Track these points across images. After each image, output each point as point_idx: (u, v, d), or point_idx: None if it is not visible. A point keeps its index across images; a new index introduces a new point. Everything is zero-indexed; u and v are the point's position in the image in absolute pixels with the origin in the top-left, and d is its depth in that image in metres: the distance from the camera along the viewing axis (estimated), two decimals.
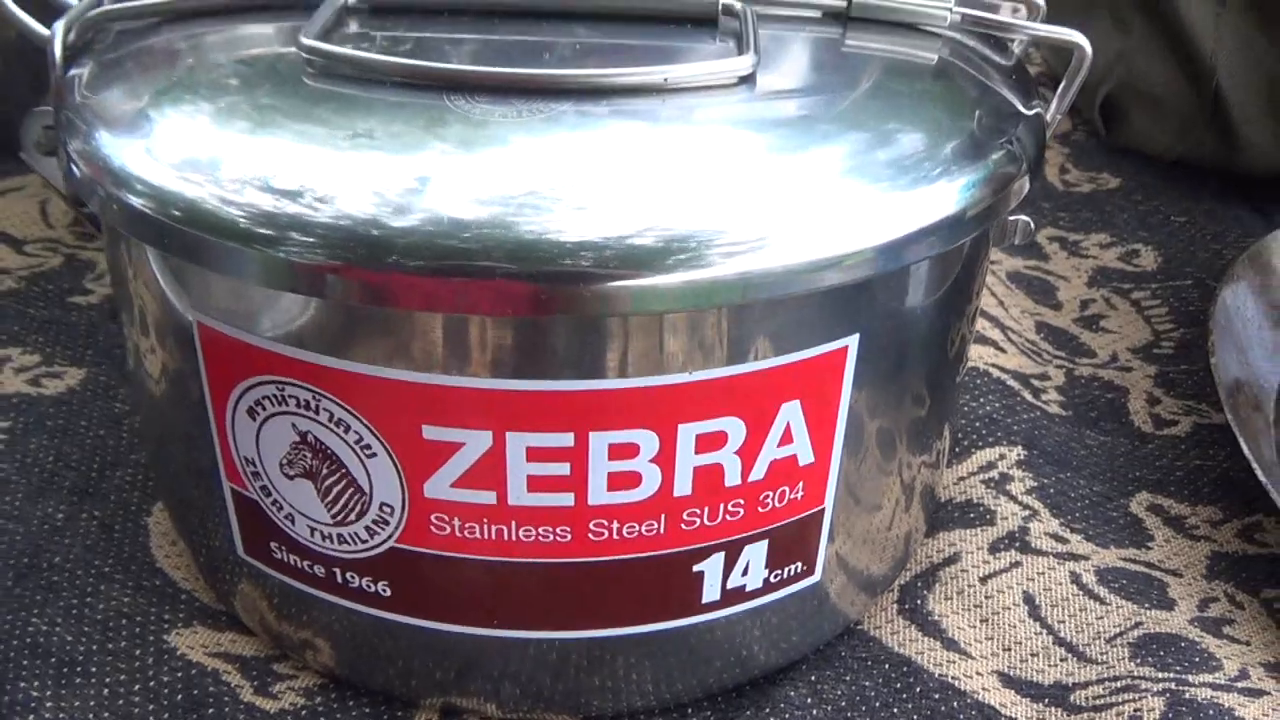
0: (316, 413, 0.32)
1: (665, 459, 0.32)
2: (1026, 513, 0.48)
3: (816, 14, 0.39)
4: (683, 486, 0.33)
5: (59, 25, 0.37)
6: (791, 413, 0.33)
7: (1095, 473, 0.51)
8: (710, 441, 0.32)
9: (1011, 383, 0.54)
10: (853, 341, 0.33)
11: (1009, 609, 0.44)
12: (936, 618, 0.44)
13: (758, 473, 0.33)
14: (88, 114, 0.34)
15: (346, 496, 0.33)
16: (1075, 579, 0.46)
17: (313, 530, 0.35)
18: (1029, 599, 0.45)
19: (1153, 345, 0.59)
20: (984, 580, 0.45)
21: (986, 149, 0.34)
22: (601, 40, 0.37)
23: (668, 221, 0.29)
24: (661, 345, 0.31)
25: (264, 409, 0.33)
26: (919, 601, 0.44)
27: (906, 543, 0.43)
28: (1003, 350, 0.56)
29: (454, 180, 0.30)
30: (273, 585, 0.38)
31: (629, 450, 0.32)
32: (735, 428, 0.32)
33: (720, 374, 0.31)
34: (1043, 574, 0.46)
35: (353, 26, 0.37)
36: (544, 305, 0.29)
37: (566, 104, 0.32)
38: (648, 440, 0.32)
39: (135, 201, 0.31)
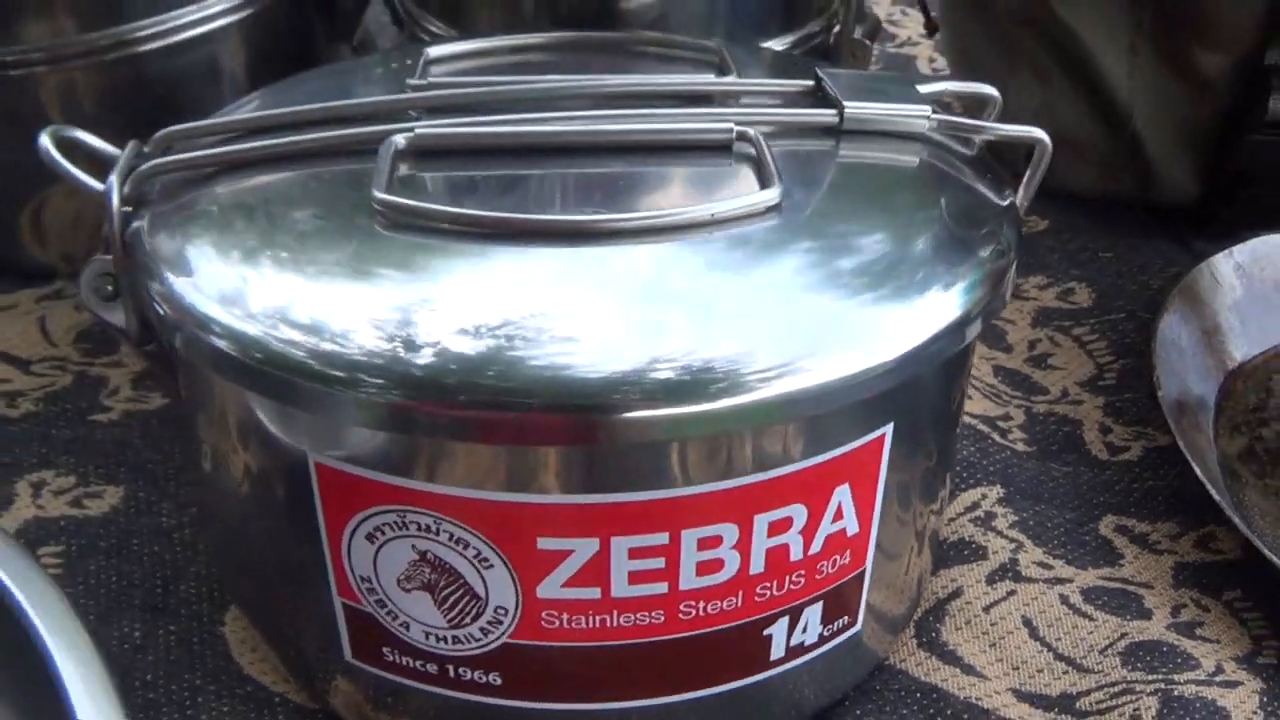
0: (437, 534, 0.37)
1: (743, 545, 0.38)
2: (1013, 545, 0.55)
3: (811, 128, 0.46)
4: (757, 566, 0.39)
5: (114, 179, 0.41)
6: (843, 494, 0.39)
7: (1065, 502, 0.58)
8: (779, 526, 0.38)
9: (981, 426, 0.61)
10: (888, 429, 0.39)
11: (1012, 632, 0.51)
12: (952, 647, 0.50)
13: (815, 547, 0.40)
14: (164, 265, 0.39)
15: (463, 604, 0.39)
16: (1064, 600, 0.53)
17: (428, 635, 0.40)
18: (1028, 622, 0.52)
19: (1097, 378, 0.66)
20: (986, 609, 0.52)
21: (980, 249, 0.41)
22: (635, 170, 0.43)
23: (730, 352, 0.35)
24: (737, 453, 0.37)
25: (384, 534, 0.38)
26: (934, 634, 0.51)
27: (919, 583, 0.49)
28: (969, 397, 0.63)
29: (529, 325, 0.35)
30: (381, 684, 0.42)
31: (714, 541, 0.38)
32: (799, 512, 0.39)
33: (786, 471, 0.37)
34: (1036, 599, 0.53)
35: (403, 169, 0.42)
36: (629, 434, 0.35)
37: (627, 244, 0.38)
38: (729, 531, 0.38)
39: (231, 348, 0.36)
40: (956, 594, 0.52)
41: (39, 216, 0.67)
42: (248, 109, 0.48)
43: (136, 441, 0.60)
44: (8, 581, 0.36)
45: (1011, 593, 0.53)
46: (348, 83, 0.51)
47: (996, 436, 0.61)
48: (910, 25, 1.03)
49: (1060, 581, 0.54)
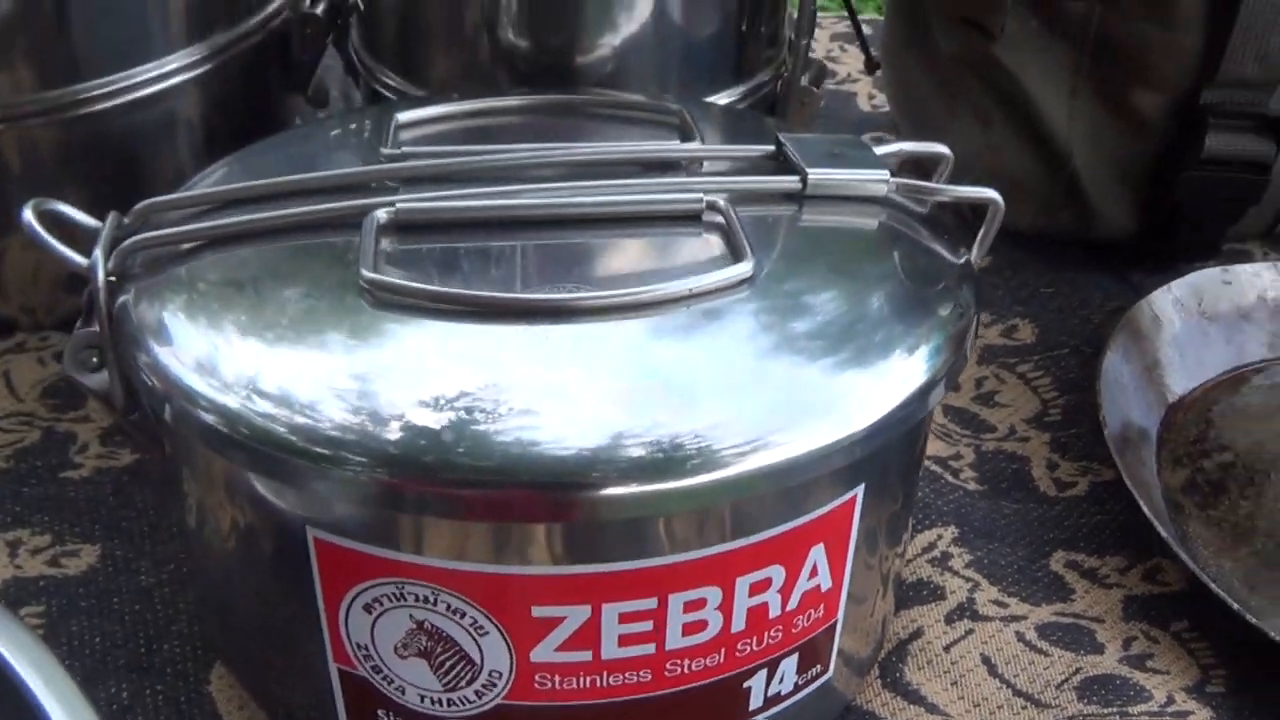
0: (435, 605, 0.39)
1: (726, 606, 0.41)
2: (970, 584, 0.58)
3: (775, 195, 0.48)
4: (738, 624, 0.41)
5: (99, 254, 0.42)
6: (818, 554, 0.42)
7: (1017, 539, 0.61)
8: (759, 587, 0.41)
9: (935, 467, 0.64)
10: (859, 490, 0.42)
11: (972, 670, 0.54)
12: (915, 686, 0.53)
13: (792, 603, 0.42)
14: (154, 340, 0.41)
15: (459, 669, 0.41)
16: (1020, 637, 0.55)
17: (423, 698, 0.42)
18: (986, 660, 0.54)
19: (1043, 414, 0.69)
20: (946, 649, 0.55)
21: (941, 311, 0.43)
22: (610, 242, 0.45)
23: (708, 428, 0.37)
24: (719, 522, 0.39)
25: (381, 605, 0.40)
26: (898, 674, 0.53)
27: (884, 625, 0.52)
28: None
29: (512, 403, 0.38)
30: None
31: (699, 604, 0.40)
32: (778, 573, 0.41)
33: (767, 535, 0.40)
34: (993, 637, 0.55)
35: (384, 244, 0.44)
36: (610, 510, 0.37)
37: (608, 321, 0.41)
38: (713, 594, 0.40)
39: (223, 425, 0.38)
40: (917, 634, 0.55)
41: None
42: (222, 177, 0.50)
43: (109, 499, 0.61)
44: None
45: (970, 631, 0.56)
46: (319, 149, 0.53)
47: (949, 476, 0.63)
48: (849, 62, 1.06)
49: (1016, 619, 0.56)
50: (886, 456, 0.43)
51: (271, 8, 0.71)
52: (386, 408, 0.38)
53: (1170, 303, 0.71)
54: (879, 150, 0.49)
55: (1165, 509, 0.62)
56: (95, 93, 0.64)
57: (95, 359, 0.44)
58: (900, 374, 0.41)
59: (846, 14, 0.81)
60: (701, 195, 0.46)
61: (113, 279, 0.43)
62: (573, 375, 0.39)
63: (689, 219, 0.46)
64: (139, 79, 0.65)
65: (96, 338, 0.43)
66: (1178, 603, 0.58)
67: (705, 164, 0.50)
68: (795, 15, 0.70)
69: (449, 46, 0.67)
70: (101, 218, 0.45)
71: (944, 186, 0.48)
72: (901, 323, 0.42)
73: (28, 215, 0.44)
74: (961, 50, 0.78)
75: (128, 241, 0.44)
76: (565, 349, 0.40)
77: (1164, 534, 0.56)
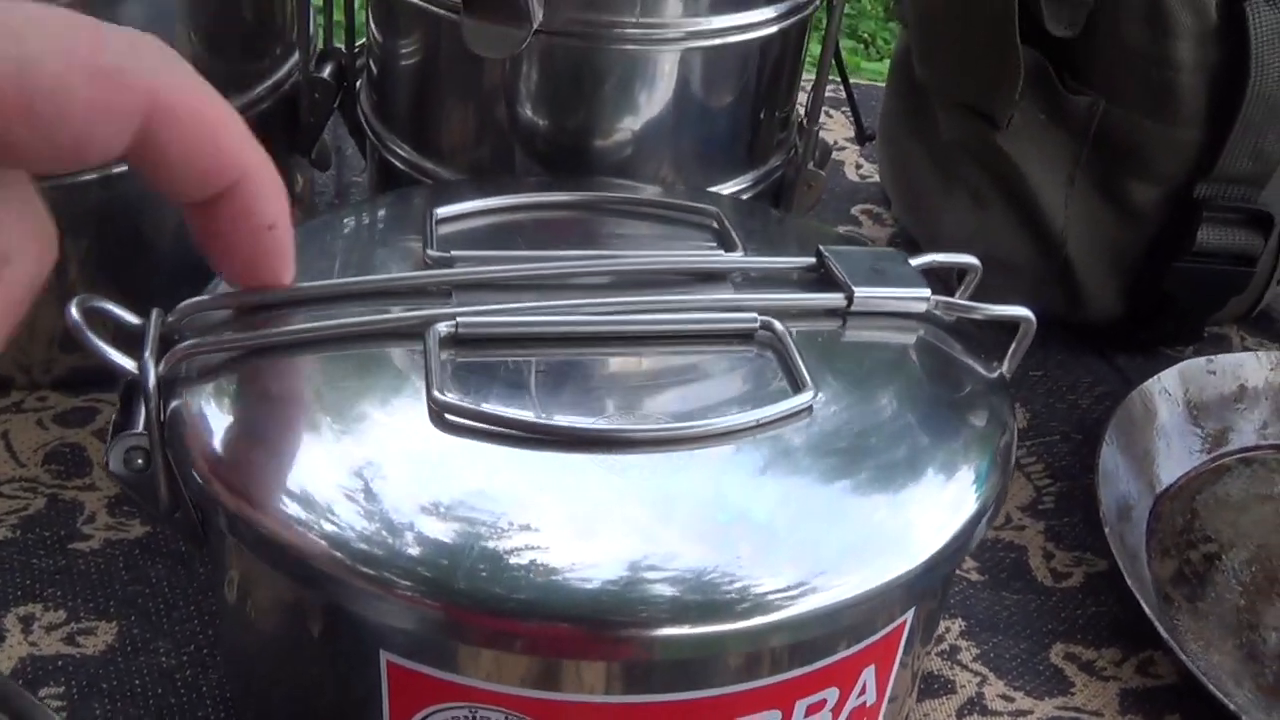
0: None
1: None
2: (978, 679, 0.63)
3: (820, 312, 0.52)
4: None
5: (149, 359, 0.44)
6: (868, 675, 0.46)
7: (1019, 632, 0.66)
8: (815, 707, 0.45)
9: None
10: (910, 615, 0.46)
11: None
12: None
13: (842, 719, 0.47)
14: (212, 452, 0.43)
15: None
16: None
17: None
18: None
19: (1036, 501, 0.75)
20: None
21: (987, 433, 0.48)
22: (669, 364, 0.49)
23: (767, 569, 0.41)
24: (779, 656, 0.43)
25: None
26: None
27: (908, 716, 0.57)
28: None
29: (578, 539, 0.41)
30: None
31: None
32: (832, 694, 0.45)
33: (824, 663, 0.44)
34: None
35: (444, 356, 0.47)
36: (677, 650, 0.41)
37: (677, 452, 0.44)
38: (773, 718, 0.44)
39: (292, 550, 0.41)
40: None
41: None
42: None
43: (122, 574, 0.63)
44: None
45: None
46: (357, 243, 0.57)
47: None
48: (835, 129, 1.10)
49: (1022, 714, 0.61)
50: (939, 582, 0.48)
51: (281, 72, 0.74)
52: (455, 538, 0.40)
53: (1159, 392, 0.77)
54: (914, 261, 0.54)
55: (1157, 602, 0.67)
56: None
57: (140, 461, 0.46)
58: (957, 503, 0.45)
59: (838, 80, 0.85)
60: (755, 315, 0.50)
61: (161, 382, 0.45)
62: (640, 510, 0.43)
63: (743, 338, 0.50)
64: None
65: (143, 439, 0.45)
66: (1171, 695, 0.63)
67: (749, 274, 0.54)
68: (808, 100, 0.75)
69: (463, 119, 0.70)
70: (117, 298, 0.47)
71: (980, 305, 0.53)
72: (952, 449, 0.47)
73: (74, 315, 0.45)
74: (963, 134, 0.83)
75: (180, 347, 0.46)
76: (634, 481, 0.43)
77: (1162, 632, 0.61)
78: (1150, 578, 0.69)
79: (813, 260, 0.54)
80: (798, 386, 0.47)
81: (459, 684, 0.42)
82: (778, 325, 0.50)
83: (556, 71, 0.66)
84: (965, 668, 0.63)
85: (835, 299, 0.52)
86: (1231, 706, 0.58)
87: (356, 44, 0.78)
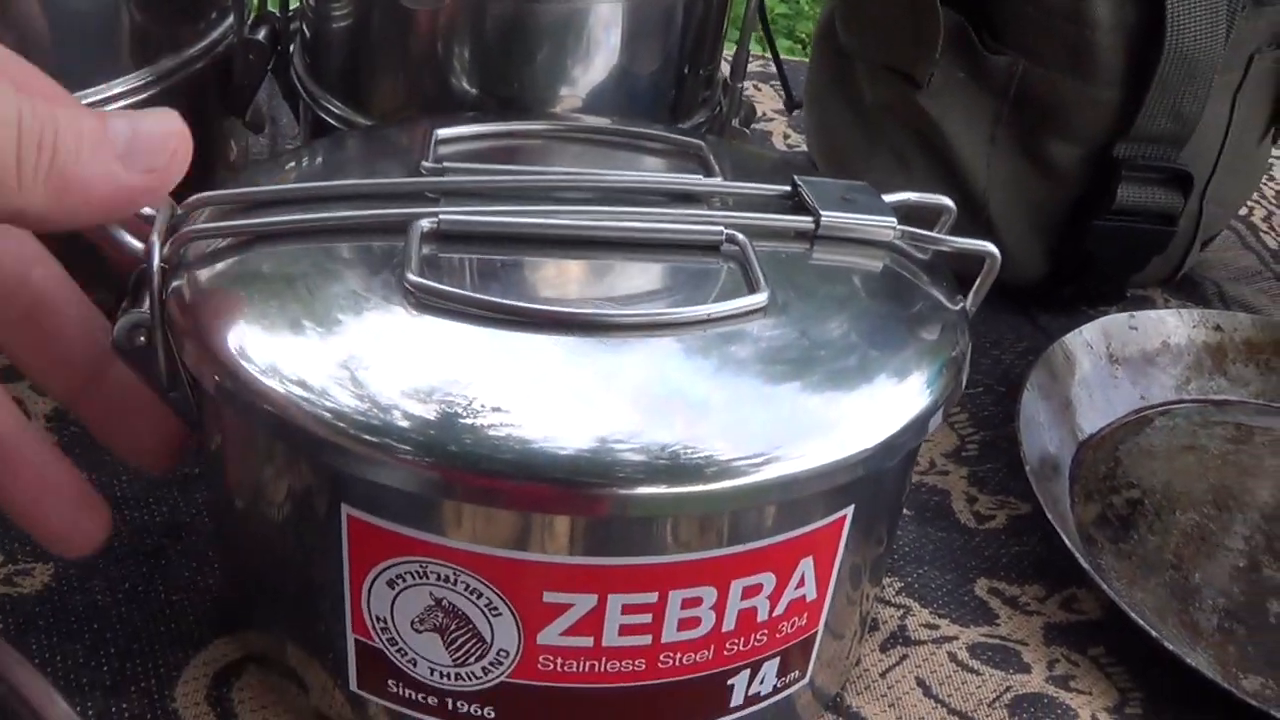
0: (454, 584, 0.46)
1: (719, 606, 0.47)
2: (901, 611, 0.66)
3: (790, 233, 0.55)
4: (729, 624, 0.48)
5: (155, 240, 0.47)
6: (806, 565, 0.49)
7: (944, 565, 0.69)
8: (751, 591, 0.48)
9: None
10: (849, 510, 0.49)
11: (908, 693, 0.61)
12: (856, 709, 0.61)
13: (779, 609, 0.49)
14: (208, 327, 0.47)
15: (470, 646, 0.47)
16: (952, 657, 0.63)
17: (433, 670, 0.48)
18: (921, 682, 0.62)
19: (960, 449, 0.78)
20: (883, 675, 0.62)
21: (940, 347, 0.51)
22: (636, 264, 0.52)
23: (721, 441, 0.44)
24: (722, 527, 0.46)
25: (404, 581, 0.46)
26: (839, 699, 0.61)
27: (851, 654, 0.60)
28: None
29: (546, 407, 0.44)
30: (382, 713, 0.51)
31: (695, 601, 0.47)
32: (769, 580, 0.48)
33: (762, 544, 0.47)
34: (926, 660, 0.63)
35: (425, 250, 0.50)
36: (629, 509, 0.44)
37: (635, 337, 0.47)
38: (709, 593, 0.47)
39: (278, 411, 0.44)
40: (854, 662, 0.63)
41: None
42: (267, 177, 0.57)
43: None
44: None
45: (904, 657, 0.63)
46: (362, 157, 0.62)
47: None
48: (764, 100, 1.14)
49: (947, 639, 0.65)
50: (878, 481, 0.51)
51: (216, 33, 0.76)
52: (427, 401, 0.44)
53: (1080, 345, 0.81)
54: (887, 198, 0.57)
55: (1079, 542, 0.71)
56: None
57: (143, 338, 0.49)
58: (900, 401, 0.48)
59: (767, 54, 0.89)
60: (722, 228, 0.53)
61: (166, 265, 0.48)
62: (599, 383, 0.46)
63: (709, 249, 0.53)
64: (84, 102, 0.70)
65: (146, 319, 0.48)
66: (1094, 629, 0.66)
67: (725, 199, 0.57)
68: (731, 59, 0.79)
69: (397, 76, 0.73)
70: None
71: (945, 237, 0.56)
72: (903, 356, 0.50)
73: None
74: (886, 96, 0.87)
75: (186, 229, 0.49)
76: (594, 359, 0.46)
77: (1085, 565, 0.64)
78: (1074, 520, 0.72)
79: (787, 189, 0.57)
80: (754, 290, 0.50)
81: (414, 538, 0.46)
82: (741, 237, 0.52)
83: (486, 26, 0.70)
84: (888, 603, 0.66)
85: (804, 221, 0.55)
86: (1155, 634, 0.61)
87: (291, 8, 0.81)
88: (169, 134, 0.44)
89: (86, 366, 0.52)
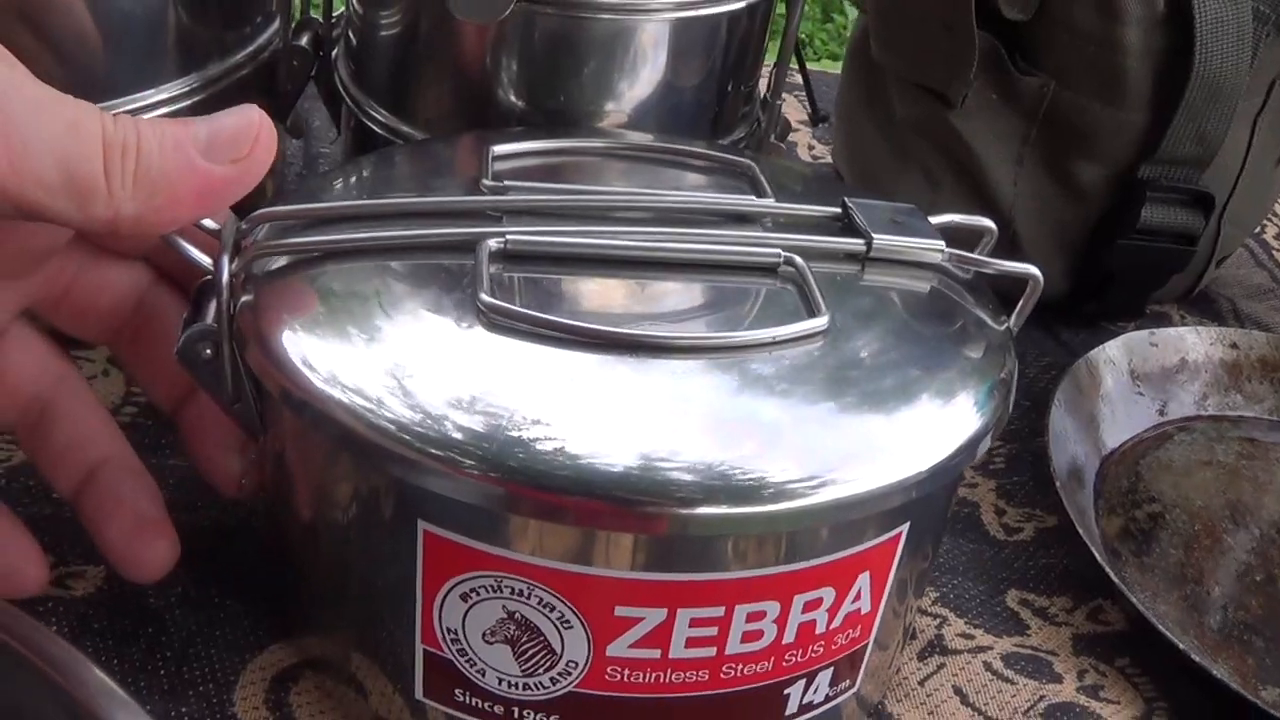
0: (528, 598, 0.47)
1: (781, 619, 0.49)
2: (938, 621, 0.68)
3: (840, 254, 0.57)
4: (789, 636, 0.50)
5: (224, 257, 0.49)
6: (863, 580, 0.51)
7: (976, 576, 0.71)
8: (811, 605, 0.49)
9: None
10: (905, 528, 0.51)
11: (945, 701, 0.63)
12: (897, 717, 0.62)
13: (836, 622, 0.51)
14: (280, 343, 0.48)
15: (539, 657, 0.48)
16: (987, 666, 0.65)
17: (500, 680, 0.49)
18: (958, 690, 0.64)
19: (987, 462, 0.80)
20: (921, 683, 0.64)
21: (990, 371, 0.53)
22: (697, 286, 0.54)
23: (785, 464, 0.46)
24: (786, 545, 0.48)
25: (478, 595, 0.47)
26: (880, 705, 0.63)
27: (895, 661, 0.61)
28: None
29: (617, 428, 0.46)
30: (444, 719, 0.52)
31: (759, 615, 0.49)
32: (829, 594, 0.50)
33: (823, 560, 0.49)
34: (963, 669, 0.65)
35: (493, 269, 0.51)
36: (696, 528, 0.46)
37: (701, 359, 0.49)
38: (772, 607, 0.49)
39: (356, 428, 0.46)
40: (895, 671, 0.65)
41: None
42: (329, 192, 0.59)
43: None
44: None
45: (941, 666, 0.65)
46: (419, 172, 0.63)
47: None
48: (789, 111, 1.15)
49: (982, 649, 0.66)
50: (931, 500, 0.52)
51: (261, 40, 0.78)
52: (501, 420, 0.45)
53: (1104, 361, 0.82)
54: (933, 220, 0.59)
55: (1105, 554, 0.72)
56: None
57: (209, 351, 0.50)
58: (954, 424, 0.50)
59: (792, 65, 0.90)
60: (779, 250, 0.54)
61: (235, 278, 0.50)
62: (667, 405, 0.47)
63: (766, 270, 0.55)
64: (131, 109, 0.71)
65: (211, 330, 0.50)
66: (1119, 641, 0.68)
67: (777, 219, 0.59)
68: (770, 75, 0.80)
69: (443, 86, 0.75)
70: None
71: (990, 259, 0.58)
72: (954, 378, 0.51)
73: None
74: (916, 114, 0.88)
75: (251, 247, 0.51)
76: (662, 381, 0.48)
77: (1114, 578, 0.66)
78: (1098, 533, 0.74)
79: (838, 210, 0.59)
80: (814, 313, 0.52)
81: (489, 553, 0.47)
82: (799, 261, 0.54)
83: (535, 39, 0.71)
84: (924, 612, 0.68)
85: (856, 244, 0.57)
86: (1182, 646, 0.62)
87: (334, 14, 0.82)
88: (248, 124, 0.45)
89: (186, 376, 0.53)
